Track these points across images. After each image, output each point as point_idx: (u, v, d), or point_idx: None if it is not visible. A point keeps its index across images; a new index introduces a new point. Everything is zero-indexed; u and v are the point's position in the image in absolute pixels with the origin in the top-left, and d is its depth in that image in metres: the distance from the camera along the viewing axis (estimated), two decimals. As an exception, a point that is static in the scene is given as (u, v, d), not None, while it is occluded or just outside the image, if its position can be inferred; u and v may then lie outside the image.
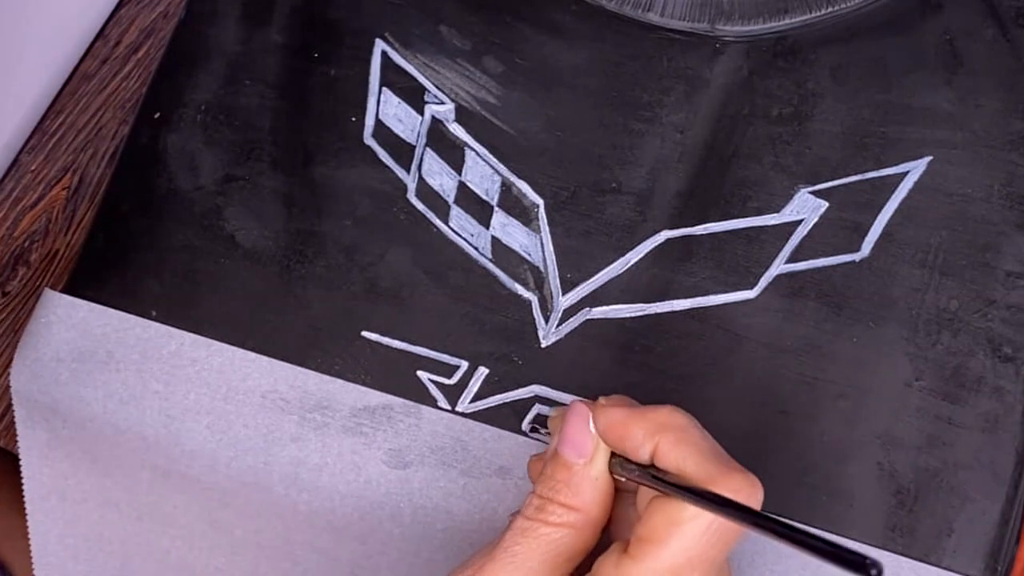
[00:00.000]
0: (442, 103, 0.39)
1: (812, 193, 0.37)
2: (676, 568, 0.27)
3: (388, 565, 0.37)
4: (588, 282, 0.37)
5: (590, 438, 0.29)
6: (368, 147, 0.39)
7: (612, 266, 0.38)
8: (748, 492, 0.27)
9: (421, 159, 0.39)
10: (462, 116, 0.39)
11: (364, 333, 0.38)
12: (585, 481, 0.29)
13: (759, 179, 0.38)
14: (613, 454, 0.29)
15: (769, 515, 0.25)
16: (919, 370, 0.36)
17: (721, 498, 0.26)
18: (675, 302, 0.37)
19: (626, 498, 0.30)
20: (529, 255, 0.38)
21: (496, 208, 0.38)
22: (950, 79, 0.38)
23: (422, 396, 0.37)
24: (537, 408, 0.37)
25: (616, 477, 0.29)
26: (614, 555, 0.28)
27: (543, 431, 0.36)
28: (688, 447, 0.28)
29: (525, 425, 0.37)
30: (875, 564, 0.21)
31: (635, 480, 0.29)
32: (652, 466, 0.28)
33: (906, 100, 0.38)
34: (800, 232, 0.37)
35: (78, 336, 0.38)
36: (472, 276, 0.38)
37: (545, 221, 0.38)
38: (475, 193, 0.38)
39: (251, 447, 0.37)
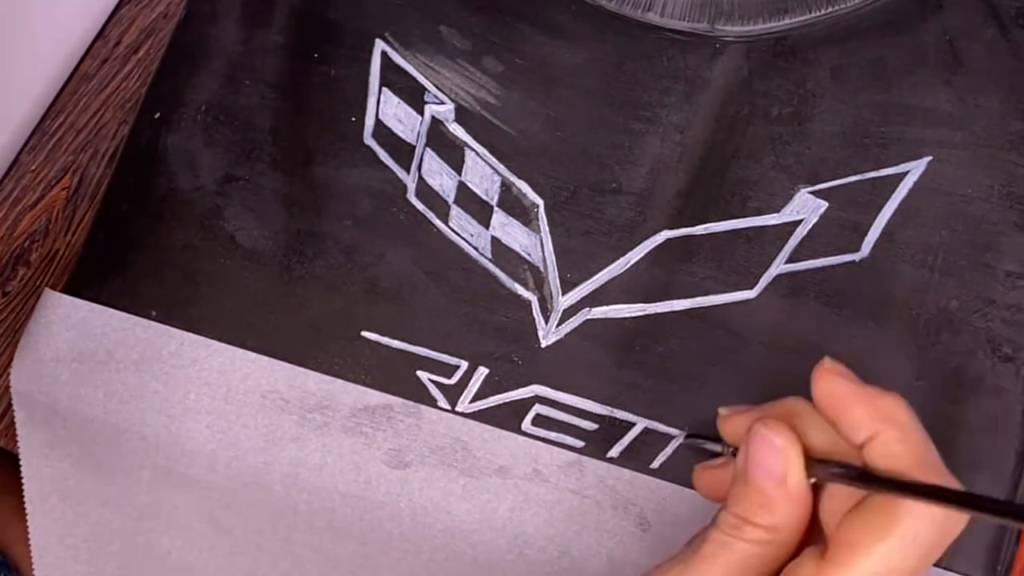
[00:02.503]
0: (442, 103, 0.39)
1: (812, 193, 0.37)
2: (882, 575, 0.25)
3: (388, 565, 0.37)
4: (588, 282, 0.37)
5: (779, 457, 0.27)
6: (368, 147, 0.39)
7: (612, 266, 0.38)
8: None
9: (421, 159, 0.39)
10: (462, 116, 0.39)
11: (364, 333, 0.38)
12: (780, 500, 0.27)
13: (759, 179, 0.38)
14: (807, 456, 0.28)
15: (1006, 501, 0.23)
16: (919, 370, 0.36)
17: (949, 491, 0.24)
18: (675, 302, 0.37)
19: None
20: (529, 255, 0.38)
21: (496, 208, 0.38)
22: (950, 79, 0.38)
23: (422, 396, 0.37)
24: (537, 408, 0.37)
25: (819, 479, 0.28)
26: (810, 562, 0.26)
27: (699, 442, 0.35)
28: (908, 448, 0.26)
29: (525, 425, 0.37)
30: None
31: (835, 482, 0.27)
32: (850, 465, 0.27)
33: (906, 100, 0.38)
34: (800, 232, 0.37)
35: (78, 336, 0.38)
36: (472, 276, 0.38)
37: (545, 221, 0.38)
38: (475, 193, 0.38)
39: (251, 447, 0.37)
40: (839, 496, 0.28)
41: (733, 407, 0.29)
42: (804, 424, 0.29)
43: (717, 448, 0.33)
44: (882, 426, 0.26)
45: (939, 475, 0.26)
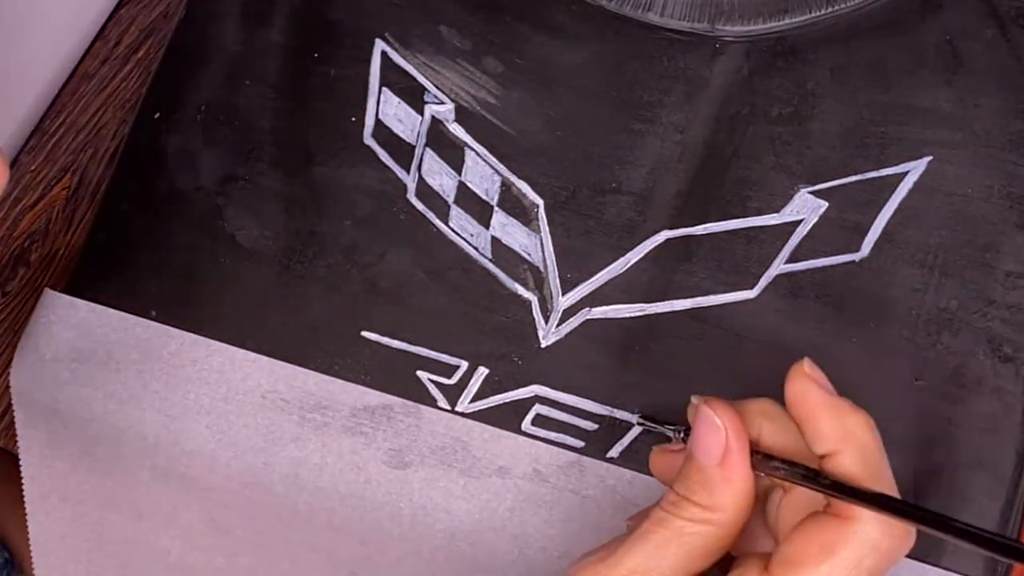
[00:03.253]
0: (442, 103, 0.39)
1: (812, 193, 0.37)
2: None
3: (388, 565, 0.37)
4: (588, 282, 0.37)
5: (719, 436, 0.28)
6: (368, 147, 0.39)
7: (612, 266, 0.38)
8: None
9: (421, 159, 0.39)
10: (462, 116, 0.39)
11: (364, 333, 0.38)
12: (720, 482, 0.28)
13: (759, 179, 0.38)
14: (755, 451, 0.28)
15: (958, 521, 0.24)
16: (919, 370, 0.36)
17: (895, 501, 0.24)
18: (675, 302, 0.37)
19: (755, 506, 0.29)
20: (529, 255, 0.38)
21: (496, 208, 0.38)
22: (950, 79, 0.38)
23: (422, 396, 0.37)
24: (537, 408, 0.37)
25: (758, 474, 0.28)
26: (752, 572, 0.27)
27: (651, 425, 0.35)
28: (867, 471, 0.26)
29: (525, 425, 0.37)
30: None
31: (779, 478, 0.28)
32: (802, 465, 0.27)
33: (906, 100, 0.38)
34: (800, 232, 0.37)
35: (78, 336, 0.38)
36: (472, 276, 0.38)
37: (545, 221, 0.38)
38: (475, 193, 0.38)
39: (251, 447, 0.37)
40: (790, 508, 0.28)
41: (705, 396, 0.30)
42: (772, 424, 0.29)
43: (668, 432, 0.34)
44: (843, 445, 0.27)
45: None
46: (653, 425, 0.35)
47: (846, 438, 0.27)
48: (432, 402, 0.37)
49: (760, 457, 0.28)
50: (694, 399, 0.31)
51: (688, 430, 0.30)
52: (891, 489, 0.27)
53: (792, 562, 0.26)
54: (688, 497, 0.28)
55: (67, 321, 0.38)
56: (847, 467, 0.26)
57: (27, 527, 0.39)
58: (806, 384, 0.28)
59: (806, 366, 0.28)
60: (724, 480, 0.28)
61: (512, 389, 0.37)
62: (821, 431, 0.27)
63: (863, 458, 0.27)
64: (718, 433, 0.28)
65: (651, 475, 0.36)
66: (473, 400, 0.37)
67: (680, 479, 0.28)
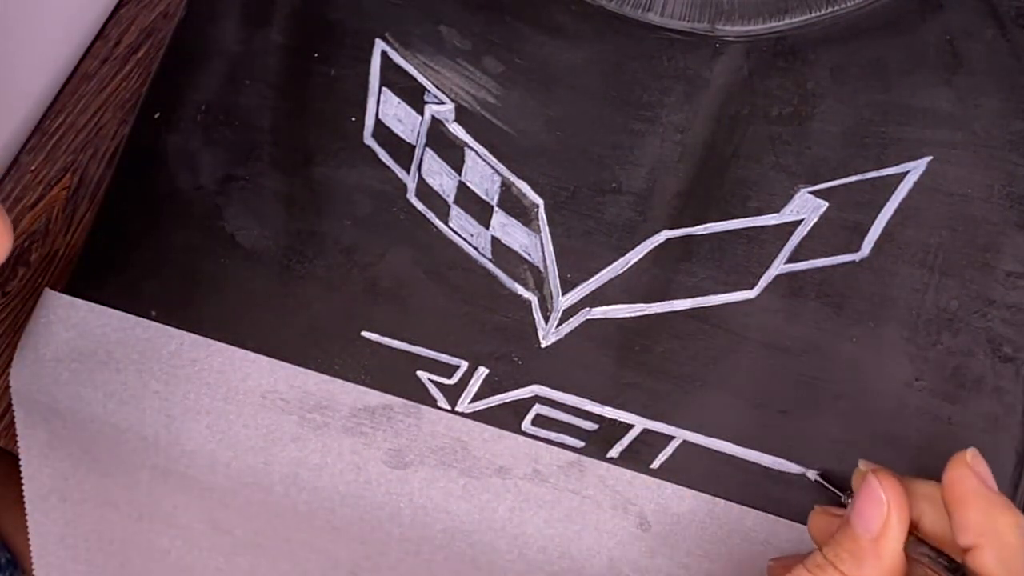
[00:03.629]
0: (442, 103, 0.39)
1: (812, 193, 0.37)
2: None
3: (388, 565, 0.37)
4: (588, 282, 0.37)
5: (880, 516, 0.28)
6: (368, 147, 0.39)
7: (612, 266, 0.38)
8: None
9: (421, 159, 0.39)
10: (462, 116, 0.39)
11: (364, 333, 0.38)
12: (871, 556, 0.27)
13: (759, 179, 0.38)
14: (911, 533, 0.28)
15: None
16: (919, 370, 0.36)
17: None
18: (675, 302, 0.37)
19: None
20: (529, 255, 0.38)
21: (496, 208, 0.38)
22: (950, 79, 0.38)
23: (422, 396, 0.37)
24: (537, 408, 0.37)
25: (912, 557, 0.28)
26: None
27: (827, 485, 0.35)
28: (1007, 570, 0.26)
29: (525, 425, 0.37)
30: None
31: (924, 564, 0.27)
32: (947, 556, 0.27)
33: (906, 100, 0.38)
34: (800, 232, 0.37)
35: (78, 336, 0.38)
36: (472, 276, 0.38)
37: (545, 221, 0.38)
38: (475, 193, 0.38)
39: (251, 447, 0.37)
40: None
41: (874, 465, 0.30)
42: (934, 510, 0.29)
43: (841, 497, 0.34)
44: (986, 540, 0.26)
45: None
46: (829, 486, 0.35)
47: (990, 534, 0.26)
48: (432, 402, 0.37)
49: (913, 539, 0.28)
50: (862, 464, 0.31)
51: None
52: None
53: None
54: (836, 564, 0.28)
55: (67, 321, 0.38)
56: (985, 564, 0.26)
57: (23, 516, 0.39)
58: (963, 472, 0.28)
59: (969, 455, 0.28)
60: (875, 555, 0.27)
61: (512, 389, 0.37)
62: (967, 522, 0.27)
63: (1004, 559, 0.26)
64: (880, 507, 0.28)
65: (651, 476, 0.36)
66: (473, 400, 0.37)
67: (832, 544, 0.28)
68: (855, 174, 0.37)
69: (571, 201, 0.38)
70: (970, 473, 0.27)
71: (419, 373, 0.37)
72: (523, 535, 0.36)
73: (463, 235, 0.38)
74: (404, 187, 0.39)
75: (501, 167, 0.39)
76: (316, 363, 0.37)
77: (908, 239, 0.37)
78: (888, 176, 0.37)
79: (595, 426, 0.37)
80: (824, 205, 0.37)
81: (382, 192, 0.39)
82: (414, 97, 0.39)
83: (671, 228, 0.38)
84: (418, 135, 0.39)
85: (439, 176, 0.39)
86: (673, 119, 0.39)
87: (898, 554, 0.28)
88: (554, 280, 0.38)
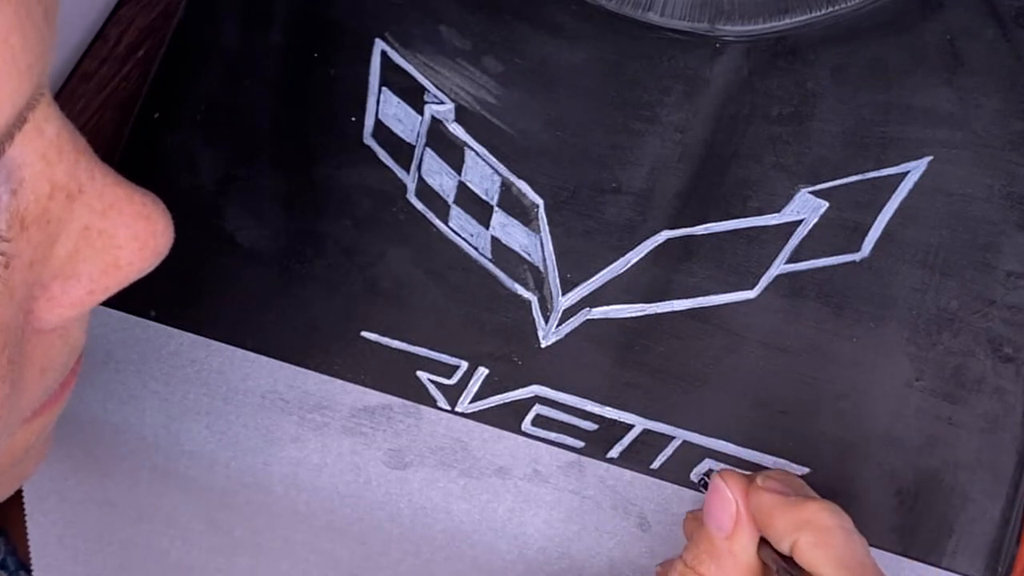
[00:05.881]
0: (442, 103, 0.39)
1: (812, 193, 0.37)
2: None
3: (388, 565, 0.37)
4: (588, 282, 0.37)
5: (728, 514, 0.28)
6: (368, 147, 0.39)
7: (612, 266, 0.37)
8: None
9: (421, 159, 0.39)
10: (462, 116, 0.39)
11: (364, 333, 0.38)
12: (726, 556, 0.28)
13: (759, 179, 0.38)
14: (765, 538, 0.28)
15: None
16: (919, 370, 0.36)
17: None
18: (675, 302, 0.37)
19: None
20: (529, 255, 0.38)
21: (496, 208, 0.38)
22: (950, 79, 0.38)
23: (422, 396, 0.37)
24: (537, 408, 0.37)
25: (763, 560, 0.28)
26: None
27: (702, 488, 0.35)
28: (826, 551, 0.26)
29: (525, 426, 0.37)
30: None
31: (771, 565, 0.28)
32: (792, 561, 0.27)
33: (906, 100, 0.38)
34: (800, 232, 0.37)
35: (78, 336, 0.38)
36: (472, 276, 0.38)
37: (545, 221, 0.38)
38: (475, 193, 0.38)
39: (250, 447, 0.37)
40: None
41: (724, 466, 0.30)
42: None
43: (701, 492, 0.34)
44: (798, 533, 0.27)
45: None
46: (703, 490, 0.35)
47: (799, 526, 0.27)
48: (432, 402, 0.37)
49: (762, 543, 0.28)
50: (711, 468, 0.32)
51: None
52: (863, 566, 0.27)
53: None
54: (695, 568, 0.28)
55: (67, 321, 0.38)
56: (805, 552, 0.27)
57: (21, 509, 0.39)
58: (759, 496, 0.28)
59: (759, 480, 0.29)
60: (730, 553, 0.28)
61: (512, 389, 0.37)
62: (779, 530, 0.27)
63: (821, 540, 0.27)
64: (729, 506, 0.28)
65: (651, 477, 0.36)
66: (473, 400, 0.37)
67: (690, 547, 0.29)
68: (855, 174, 0.37)
69: (571, 201, 0.38)
70: (764, 493, 0.28)
71: (419, 373, 0.37)
72: (523, 535, 0.36)
73: (463, 235, 0.38)
74: (404, 187, 0.39)
75: (501, 167, 0.38)
76: (316, 363, 0.37)
77: (908, 239, 0.37)
78: (888, 176, 0.37)
79: (595, 426, 0.37)
80: (824, 205, 0.37)
81: (382, 192, 0.39)
82: (414, 97, 0.39)
83: (671, 228, 0.38)
84: (418, 135, 0.39)
85: (439, 176, 0.39)
86: (673, 119, 0.39)
87: (752, 552, 0.28)
88: (554, 280, 0.38)
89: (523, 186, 0.38)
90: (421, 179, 0.39)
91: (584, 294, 0.37)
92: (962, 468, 0.35)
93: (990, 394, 0.36)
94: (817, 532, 0.27)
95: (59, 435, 0.38)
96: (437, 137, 0.39)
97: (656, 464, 0.36)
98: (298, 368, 0.37)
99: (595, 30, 0.40)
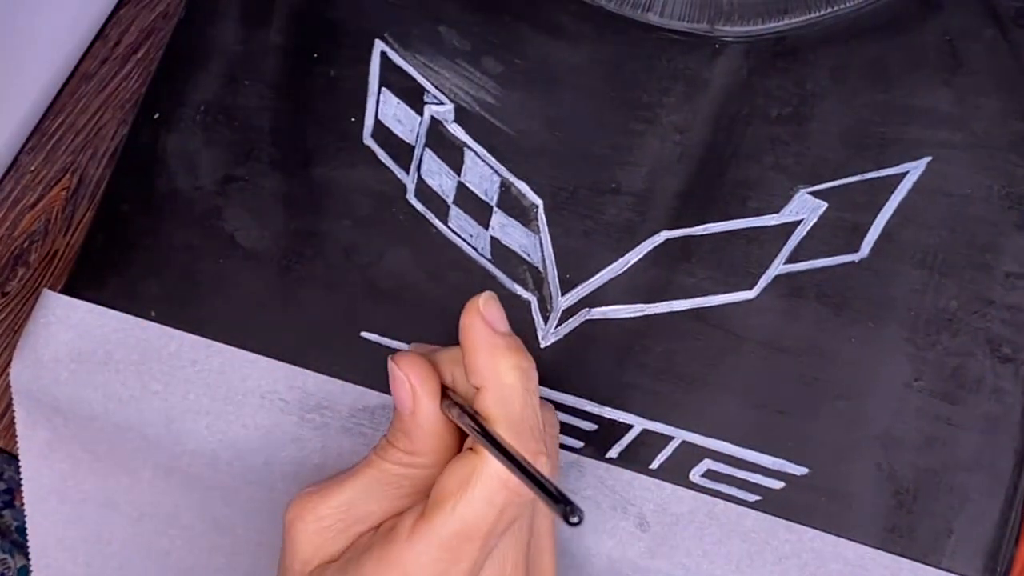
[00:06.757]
0: (441, 103, 0.39)
1: (812, 193, 0.37)
2: (463, 536, 0.27)
3: (388, 565, 0.37)
4: (587, 282, 0.37)
5: (405, 390, 0.30)
6: (367, 147, 0.39)
7: (611, 266, 0.38)
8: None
9: (420, 159, 0.39)
10: (461, 116, 0.39)
11: (364, 333, 0.38)
12: (415, 428, 0.29)
13: (759, 179, 0.38)
14: (446, 395, 0.30)
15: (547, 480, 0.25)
16: (919, 370, 0.36)
17: (517, 457, 0.26)
18: (675, 302, 0.37)
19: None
20: (528, 255, 0.38)
21: (495, 208, 0.38)
22: (950, 79, 0.38)
23: (422, 396, 0.37)
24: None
25: (448, 416, 0.30)
26: (413, 515, 0.28)
27: None
28: (504, 410, 0.28)
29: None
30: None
31: (457, 421, 0.29)
32: (468, 409, 0.29)
33: (906, 100, 0.38)
34: (800, 232, 0.37)
35: (77, 336, 0.38)
36: (471, 276, 0.38)
37: (544, 221, 0.38)
38: (474, 193, 0.38)
39: (251, 447, 0.37)
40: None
41: (404, 352, 0.31)
42: (458, 369, 0.31)
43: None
44: (488, 383, 0.28)
45: (526, 445, 0.27)
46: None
47: (492, 376, 0.28)
48: (431, 402, 0.37)
49: (447, 401, 0.30)
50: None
51: None
52: (528, 433, 0.28)
53: (438, 499, 0.28)
54: (393, 443, 0.30)
55: (66, 321, 0.38)
56: (485, 404, 0.28)
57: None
58: (473, 319, 0.29)
59: (481, 301, 0.30)
60: (416, 425, 0.29)
61: (512, 389, 0.37)
62: (476, 366, 0.29)
63: (501, 398, 0.28)
64: (404, 384, 0.30)
65: (650, 477, 0.36)
66: (472, 400, 0.37)
67: (389, 428, 0.31)
68: (854, 175, 0.37)
69: (570, 201, 0.38)
70: (479, 320, 0.29)
71: (419, 373, 0.37)
72: (522, 535, 0.36)
73: (462, 235, 0.38)
74: (403, 187, 0.39)
75: (500, 167, 0.39)
76: (316, 363, 0.37)
77: (907, 239, 0.37)
78: (887, 176, 0.37)
79: (594, 426, 0.37)
80: (823, 205, 0.37)
81: (381, 192, 0.39)
82: (413, 97, 0.39)
83: (670, 228, 0.38)
84: (417, 135, 0.39)
85: (438, 176, 0.39)
86: (673, 119, 0.39)
87: (436, 417, 0.30)
88: (553, 280, 0.38)
89: (522, 186, 0.38)
90: (420, 179, 0.39)
91: (583, 294, 0.37)
92: (961, 468, 0.35)
93: (989, 394, 0.36)
94: (504, 389, 0.28)
95: (59, 435, 0.38)
96: (436, 138, 0.39)
97: (655, 464, 0.36)
98: (298, 368, 0.37)
99: (595, 31, 0.40)
